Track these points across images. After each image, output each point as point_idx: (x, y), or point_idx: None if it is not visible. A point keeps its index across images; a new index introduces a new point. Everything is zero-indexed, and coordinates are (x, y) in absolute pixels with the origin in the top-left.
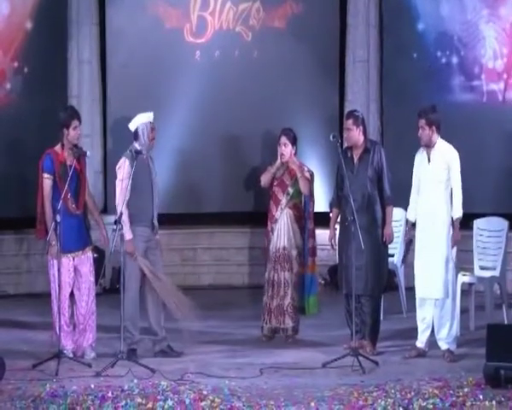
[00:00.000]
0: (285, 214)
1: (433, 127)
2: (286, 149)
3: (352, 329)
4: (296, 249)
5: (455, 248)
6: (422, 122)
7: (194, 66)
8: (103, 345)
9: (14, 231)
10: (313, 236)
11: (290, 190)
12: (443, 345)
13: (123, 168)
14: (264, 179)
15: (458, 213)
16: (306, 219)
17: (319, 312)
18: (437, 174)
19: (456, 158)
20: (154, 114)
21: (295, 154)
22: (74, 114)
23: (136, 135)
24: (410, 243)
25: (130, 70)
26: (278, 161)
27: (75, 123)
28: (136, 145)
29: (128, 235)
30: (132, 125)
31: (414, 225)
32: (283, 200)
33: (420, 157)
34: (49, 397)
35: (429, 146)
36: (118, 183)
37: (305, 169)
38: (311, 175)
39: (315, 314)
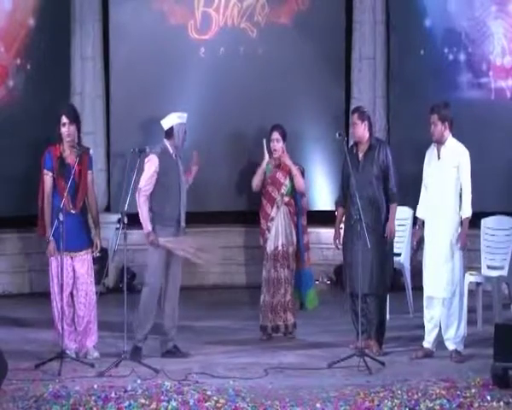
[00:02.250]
0: (282, 212)
1: (446, 123)
2: (278, 145)
3: (358, 329)
4: (292, 246)
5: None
6: (435, 117)
7: (198, 62)
8: (107, 345)
9: (16, 230)
10: (306, 231)
11: (285, 187)
12: (450, 345)
13: (152, 163)
14: (256, 183)
15: (467, 212)
16: (299, 216)
17: (319, 305)
18: (446, 172)
19: (467, 157)
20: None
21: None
22: (63, 111)
23: (169, 134)
24: (420, 242)
25: (133, 67)
26: (266, 159)
27: (63, 119)
28: (168, 144)
29: (146, 228)
30: (166, 124)
31: (424, 223)
32: (278, 198)
33: (430, 154)
34: (52, 397)
35: (440, 142)
36: (146, 173)
37: (297, 167)
38: (302, 171)
39: (316, 311)
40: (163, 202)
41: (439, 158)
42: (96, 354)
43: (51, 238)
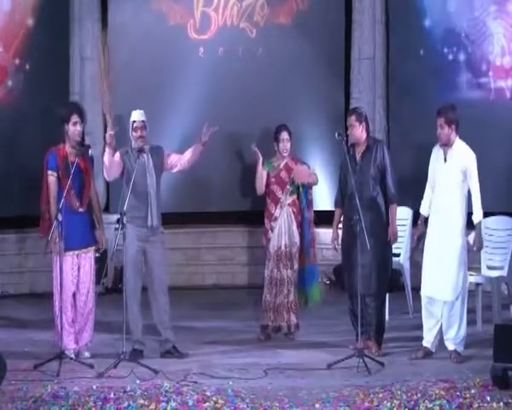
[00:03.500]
0: (285, 212)
1: (453, 126)
2: (288, 145)
3: (358, 329)
4: (295, 246)
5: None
6: (441, 121)
7: (197, 62)
8: (106, 345)
9: (15, 231)
10: (313, 226)
11: (289, 187)
12: (450, 345)
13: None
14: (259, 186)
15: (479, 217)
16: (305, 210)
17: (319, 305)
18: (452, 175)
19: (474, 160)
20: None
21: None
22: (74, 109)
23: None
24: (421, 238)
25: (132, 67)
26: (260, 160)
27: (74, 118)
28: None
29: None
30: None
31: (427, 219)
32: (282, 197)
33: (436, 154)
34: (51, 398)
35: (447, 145)
36: None
37: (309, 166)
38: (308, 168)
39: (316, 311)
40: (130, 201)
41: (445, 161)
42: (86, 354)
43: (57, 240)
